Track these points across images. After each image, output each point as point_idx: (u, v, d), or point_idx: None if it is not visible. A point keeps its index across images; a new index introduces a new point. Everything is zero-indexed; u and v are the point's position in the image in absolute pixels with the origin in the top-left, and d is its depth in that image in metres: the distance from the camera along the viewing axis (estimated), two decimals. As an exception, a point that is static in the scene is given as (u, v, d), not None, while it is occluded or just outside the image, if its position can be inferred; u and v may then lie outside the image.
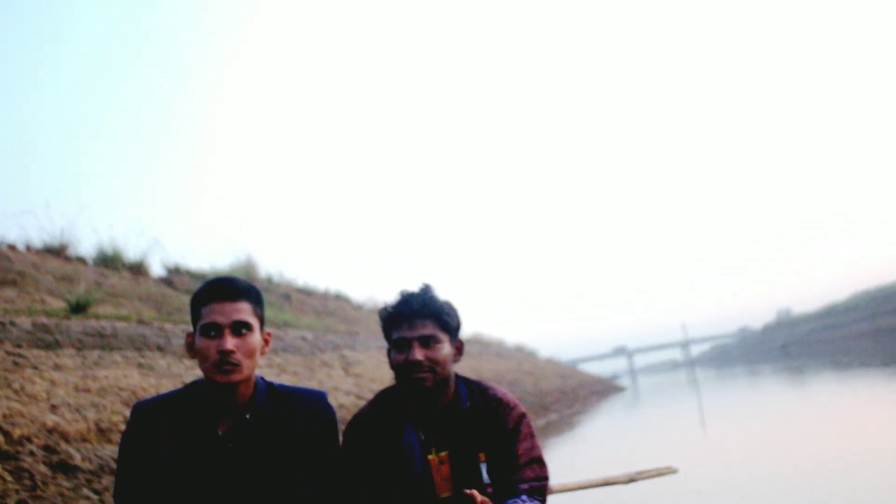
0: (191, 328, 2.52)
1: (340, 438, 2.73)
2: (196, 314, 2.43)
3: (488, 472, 2.61)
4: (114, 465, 5.42)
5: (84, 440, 5.56)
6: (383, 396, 2.82)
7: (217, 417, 2.46)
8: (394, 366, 2.70)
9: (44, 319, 8.51)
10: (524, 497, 2.55)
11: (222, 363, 2.36)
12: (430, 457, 2.64)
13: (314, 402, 2.61)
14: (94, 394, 6.49)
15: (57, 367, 6.97)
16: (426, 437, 2.67)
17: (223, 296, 2.41)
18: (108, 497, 5.07)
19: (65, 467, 5.13)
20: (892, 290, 67.09)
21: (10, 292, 10.83)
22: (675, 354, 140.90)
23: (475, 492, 2.38)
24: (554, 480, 2.85)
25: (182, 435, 2.41)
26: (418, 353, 2.61)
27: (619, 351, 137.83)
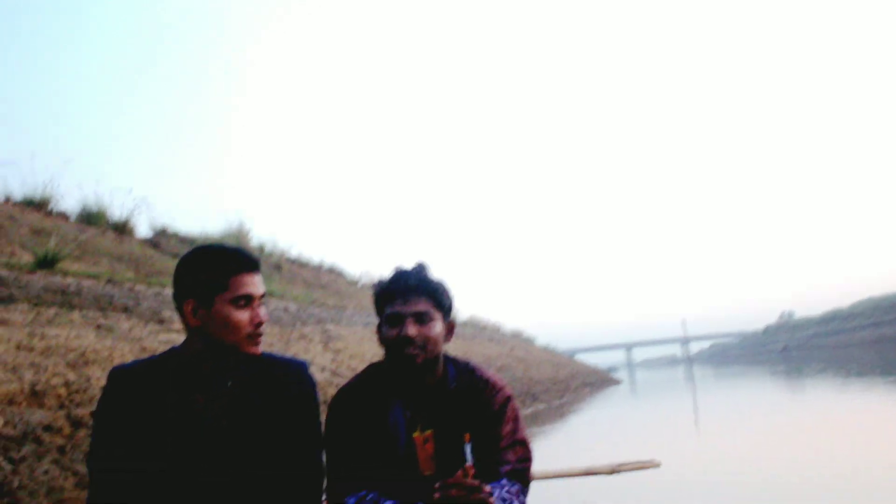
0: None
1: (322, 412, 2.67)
2: (219, 284, 2.35)
3: (472, 452, 2.56)
4: (39, 433, 5.02)
5: (13, 403, 5.15)
6: (371, 371, 2.79)
7: (197, 384, 2.40)
8: (385, 341, 2.67)
9: (3, 272, 8.09)
10: (504, 480, 2.55)
11: (256, 334, 2.38)
12: (414, 434, 2.64)
13: (296, 372, 2.55)
14: (37, 353, 6.06)
15: (3, 323, 6.55)
16: (412, 415, 2.66)
17: (252, 267, 2.41)
18: (25, 468, 4.65)
19: (-18, 431, 4.71)
20: (896, 298, 66.81)
21: (-21, 243, 10.43)
22: (675, 350, 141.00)
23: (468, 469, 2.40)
24: (536, 467, 2.74)
25: (161, 402, 2.35)
26: (412, 329, 2.58)
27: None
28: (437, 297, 2.67)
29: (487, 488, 2.37)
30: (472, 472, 2.48)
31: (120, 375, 2.40)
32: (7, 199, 13.47)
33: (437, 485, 2.36)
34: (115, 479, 2.29)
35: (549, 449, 9.57)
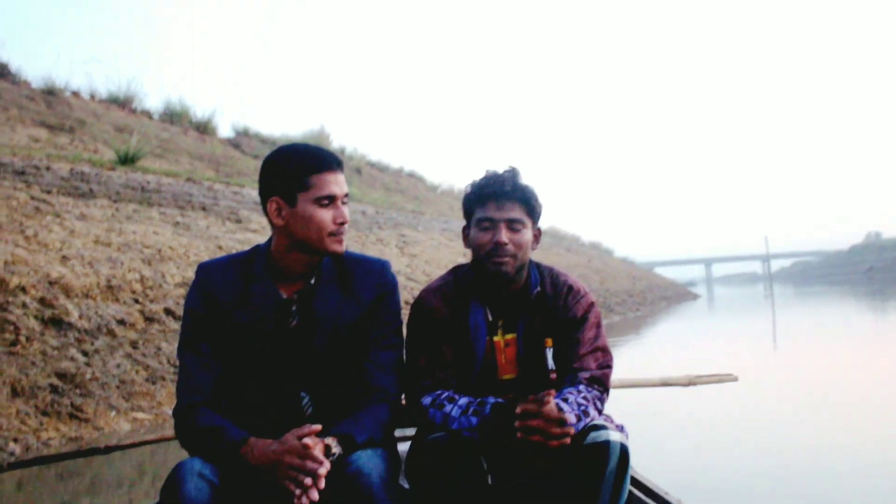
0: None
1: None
2: (301, 182, 2.38)
3: (553, 357, 2.60)
4: (113, 327, 5.08)
5: (88, 296, 5.21)
6: (455, 274, 2.78)
7: (281, 281, 2.45)
8: (475, 246, 2.64)
9: (84, 168, 8.17)
10: (582, 386, 2.52)
11: (339, 233, 2.40)
12: (495, 338, 2.64)
13: (378, 270, 2.58)
14: (114, 248, 6.13)
15: (82, 217, 6.63)
16: (493, 319, 2.66)
17: (335, 166, 2.41)
18: (98, 360, 4.72)
19: (57, 323, 4.79)
20: None
21: (63, 139, 10.58)
22: (755, 267, 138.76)
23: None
24: (613, 377, 2.70)
25: (246, 297, 2.42)
26: (504, 235, 2.57)
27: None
28: (530, 204, 2.64)
29: (571, 419, 2.31)
30: (553, 377, 2.51)
31: (207, 270, 2.47)
32: (92, 96, 13.63)
33: (518, 410, 2.28)
34: (202, 370, 2.36)
35: (624, 359, 9.55)
